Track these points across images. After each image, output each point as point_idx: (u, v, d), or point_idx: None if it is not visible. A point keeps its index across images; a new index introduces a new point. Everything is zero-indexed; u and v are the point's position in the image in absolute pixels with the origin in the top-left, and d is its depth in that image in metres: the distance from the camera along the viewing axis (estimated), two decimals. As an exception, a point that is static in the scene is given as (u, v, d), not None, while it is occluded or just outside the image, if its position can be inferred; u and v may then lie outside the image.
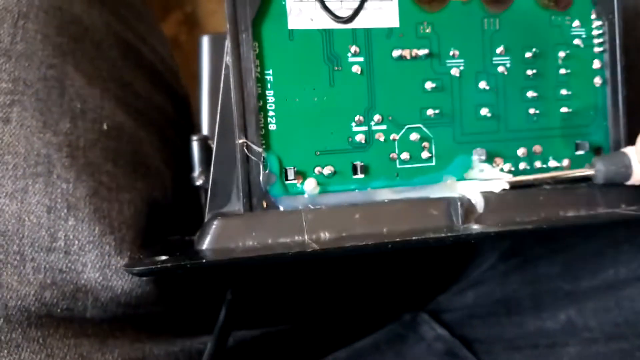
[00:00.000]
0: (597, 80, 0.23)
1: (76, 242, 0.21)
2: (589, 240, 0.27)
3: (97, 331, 0.21)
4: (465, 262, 0.31)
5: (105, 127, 0.23)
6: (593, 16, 0.23)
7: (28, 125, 0.21)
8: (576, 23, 0.23)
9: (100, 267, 0.21)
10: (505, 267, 0.29)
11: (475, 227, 0.19)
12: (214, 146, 0.21)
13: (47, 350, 0.20)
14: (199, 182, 0.24)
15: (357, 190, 0.21)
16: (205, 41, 0.25)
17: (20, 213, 0.20)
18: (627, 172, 0.21)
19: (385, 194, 0.21)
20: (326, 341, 0.27)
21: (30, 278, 0.20)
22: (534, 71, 0.22)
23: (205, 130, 0.25)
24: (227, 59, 0.19)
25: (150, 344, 0.22)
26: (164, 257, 0.17)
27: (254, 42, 0.19)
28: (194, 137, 0.24)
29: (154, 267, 0.16)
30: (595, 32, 0.23)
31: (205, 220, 0.20)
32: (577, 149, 0.23)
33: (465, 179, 0.21)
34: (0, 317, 0.19)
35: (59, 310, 0.20)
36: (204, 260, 0.16)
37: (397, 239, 0.18)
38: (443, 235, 0.18)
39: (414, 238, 0.18)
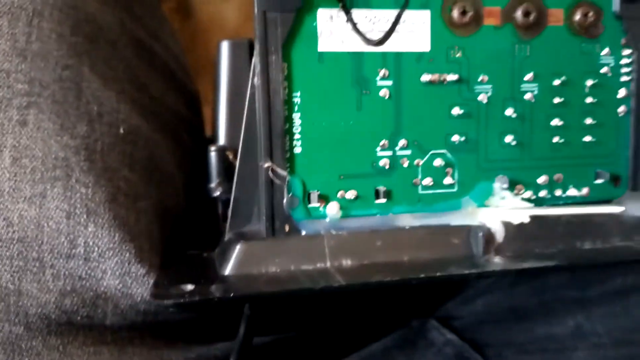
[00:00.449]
0: (622, 110, 0.23)
1: (96, 248, 0.20)
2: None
3: (116, 339, 0.21)
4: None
5: (121, 130, 0.23)
6: (622, 43, 0.22)
7: (45, 127, 0.20)
8: (605, 51, 0.22)
9: (120, 274, 0.21)
10: (513, 278, 0.30)
11: (497, 261, 0.19)
12: (235, 161, 0.21)
13: (67, 358, 0.20)
14: (216, 194, 0.24)
15: (378, 215, 0.21)
16: (225, 47, 0.25)
17: (40, 219, 0.20)
18: None
19: (407, 220, 0.21)
20: (335, 348, 0.27)
21: (50, 285, 0.20)
22: (561, 99, 0.22)
23: (222, 140, 0.25)
24: (255, 80, 0.19)
25: (167, 350, 0.22)
26: (190, 287, 0.17)
27: (284, 63, 0.19)
28: (212, 148, 0.24)
29: (181, 300, 0.16)
30: (623, 61, 0.22)
31: (226, 238, 0.20)
32: (597, 178, 0.23)
33: (486, 206, 0.21)
34: (21, 325, 0.19)
35: (78, 318, 0.20)
36: (232, 295, 0.16)
37: (422, 275, 0.18)
38: (467, 272, 0.18)
39: (438, 274, 0.18)
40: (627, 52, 0.22)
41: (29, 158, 0.20)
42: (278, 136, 0.19)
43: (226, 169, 0.24)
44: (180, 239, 0.23)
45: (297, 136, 0.20)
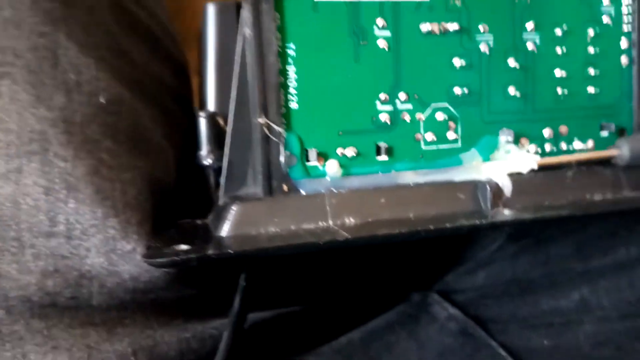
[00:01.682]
0: (624, 60, 0.22)
1: (78, 226, 0.19)
2: (601, 221, 0.27)
3: (104, 319, 0.20)
4: (471, 243, 0.31)
5: (102, 100, 0.21)
6: (623, -8, 0.22)
7: (20, 99, 0.19)
8: (606, 1, 0.22)
9: (106, 251, 0.19)
10: (515, 248, 0.29)
11: (507, 213, 0.19)
12: (227, 125, 0.20)
13: (53, 342, 0.18)
14: (207, 162, 0.23)
15: (380, 173, 0.20)
16: (210, 10, 0.23)
17: (16, 196, 0.19)
18: None
19: (410, 177, 0.20)
20: (337, 323, 0.26)
21: (30, 266, 0.18)
22: (564, 49, 0.21)
23: (211, 106, 0.24)
24: (246, 30, 0.18)
25: (161, 330, 0.21)
26: (184, 247, 0.16)
27: (276, 13, 0.18)
28: (202, 114, 0.23)
29: (177, 258, 0.15)
30: (624, 10, 0.22)
31: (220, 203, 0.19)
32: (601, 130, 0.22)
33: (491, 160, 0.21)
34: (1, 309, 0.18)
35: (63, 299, 0.19)
36: (231, 251, 0.15)
37: (430, 227, 0.17)
38: (477, 222, 0.17)
39: (447, 225, 0.17)
40: (627, 1, 0.22)
41: (3, 132, 0.19)
42: (272, 90, 0.18)
43: (217, 135, 0.23)
44: (172, 210, 0.22)
45: (292, 90, 0.19)
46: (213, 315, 0.22)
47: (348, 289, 0.29)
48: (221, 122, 0.23)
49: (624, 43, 0.22)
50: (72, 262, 0.19)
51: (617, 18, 0.22)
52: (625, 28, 0.22)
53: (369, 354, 0.25)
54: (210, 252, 0.15)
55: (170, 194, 0.23)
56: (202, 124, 0.22)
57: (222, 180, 0.20)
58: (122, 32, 0.24)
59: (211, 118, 0.22)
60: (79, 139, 0.20)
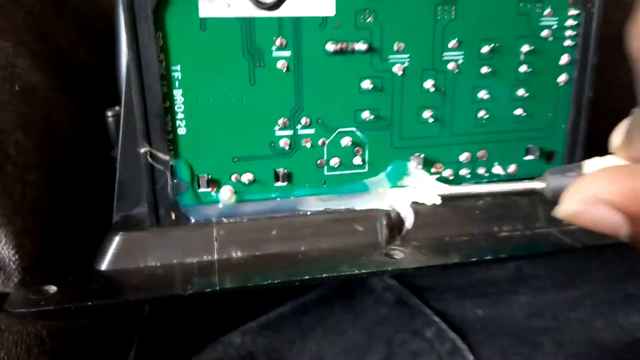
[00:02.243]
0: (562, 79, 0.20)
1: None
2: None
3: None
4: None
5: (17, 88, 0.20)
6: (570, 2, 0.19)
7: None
8: (548, 11, 0.19)
9: None
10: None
11: (398, 255, 0.18)
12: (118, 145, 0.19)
13: None
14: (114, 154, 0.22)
15: (278, 199, 0.19)
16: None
17: None
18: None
19: (311, 203, 0.19)
20: (269, 298, 0.27)
21: None
22: (490, 69, 0.19)
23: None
24: (128, 53, 0.16)
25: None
26: (53, 289, 0.16)
27: (157, 32, 0.16)
28: (109, 113, 0.21)
29: (35, 309, 0.15)
30: (569, 23, 0.20)
31: (113, 221, 0.19)
32: (527, 154, 0.21)
33: (399, 187, 0.20)
34: None
35: None
36: (89, 303, 0.15)
37: (306, 277, 0.17)
38: (357, 272, 0.17)
39: (324, 275, 0.17)
40: (573, 12, 0.20)
41: None
42: (155, 117, 0.17)
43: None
44: (75, 211, 0.22)
45: (180, 115, 0.17)
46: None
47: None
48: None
49: (564, 59, 0.20)
50: None
51: (559, 31, 0.20)
52: (567, 42, 0.20)
53: (301, 327, 0.25)
54: (69, 304, 0.15)
55: (76, 191, 0.23)
56: (111, 123, 0.21)
57: (115, 199, 0.19)
58: (47, 13, 0.22)
59: (119, 117, 0.21)
60: None
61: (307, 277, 0.17)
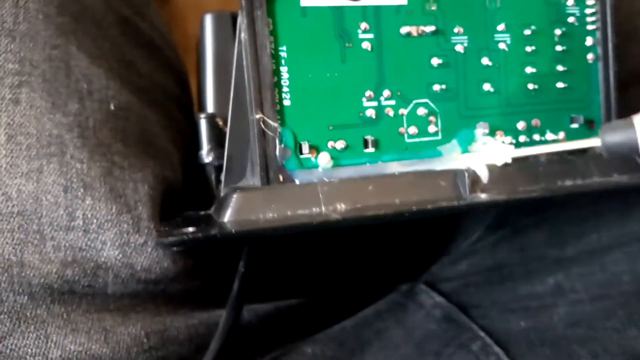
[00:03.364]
0: (590, 57, 0.24)
1: (94, 220, 0.21)
2: (572, 209, 0.29)
3: (118, 306, 0.21)
4: (453, 236, 0.33)
5: (112, 107, 0.23)
6: (587, -6, 0.24)
7: (37, 106, 0.21)
8: (570, 2, 0.24)
9: (120, 244, 0.21)
10: (494, 238, 0.30)
11: (483, 196, 0.20)
12: (227, 123, 0.21)
13: (72, 325, 0.20)
14: (208, 160, 0.24)
15: (368, 164, 0.21)
16: (208, 19, 0.25)
17: (38, 193, 0.20)
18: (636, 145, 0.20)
19: (395, 167, 0.22)
20: (331, 314, 0.28)
21: (51, 256, 0.20)
22: (533, 48, 0.23)
23: (210, 108, 0.25)
24: (242, 35, 0.20)
25: (170, 317, 0.22)
26: (192, 229, 0.18)
27: (268, 18, 0.20)
28: (202, 115, 0.24)
29: (185, 237, 0.17)
30: (588, 11, 0.24)
31: (222, 195, 0.21)
32: (572, 122, 0.24)
33: (469, 152, 0.22)
34: (25, 295, 0.19)
35: (80, 287, 0.20)
36: (233, 231, 0.17)
37: (413, 208, 0.19)
38: (455, 203, 0.19)
39: (428, 206, 0.19)
40: (591, 1, 0.24)
41: (24, 135, 0.20)
42: (267, 89, 0.20)
43: (216, 135, 0.24)
44: (179, 207, 0.24)
45: (285, 89, 0.20)
46: (217, 305, 0.24)
47: (341, 283, 0.31)
48: (220, 122, 0.25)
49: (589, 41, 0.24)
50: (89, 254, 0.21)
51: (582, 18, 0.24)
52: (590, 27, 0.24)
53: (360, 340, 0.26)
54: (213, 232, 0.17)
55: (177, 193, 0.25)
56: (203, 124, 0.24)
57: (223, 174, 0.21)
58: (127, 44, 0.26)
59: (211, 119, 0.24)
60: (93, 143, 0.21)
61: (414, 209, 0.18)
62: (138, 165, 0.23)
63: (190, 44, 0.31)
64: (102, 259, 0.21)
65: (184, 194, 0.25)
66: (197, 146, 0.24)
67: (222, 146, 0.22)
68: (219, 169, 0.24)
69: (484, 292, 0.29)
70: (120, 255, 0.21)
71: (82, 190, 0.21)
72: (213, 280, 0.24)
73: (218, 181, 0.24)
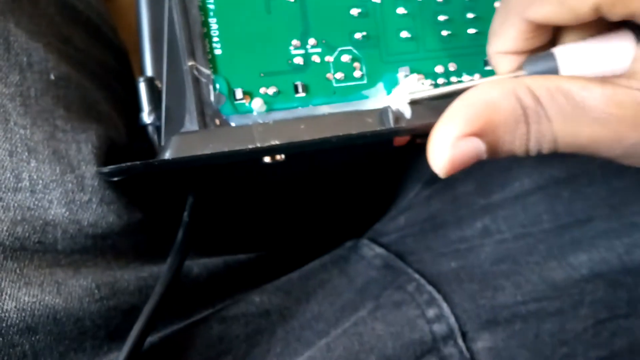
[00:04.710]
0: (498, 4, 0.26)
1: (40, 181, 0.22)
2: (497, 159, 0.31)
3: (69, 261, 0.22)
4: (392, 195, 0.35)
5: (52, 77, 0.24)
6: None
7: None
8: (473, -48, 0.26)
9: (66, 202, 0.22)
10: (428, 192, 0.33)
11: (404, 125, 0.22)
12: (162, 81, 0.23)
13: (25, 279, 0.21)
14: (149, 120, 0.25)
15: (300, 108, 0.23)
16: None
17: None
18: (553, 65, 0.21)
19: (325, 110, 0.23)
20: (279, 267, 0.29)
21: (1, 216, 0.21)
22: (444, -3, 0.25)
23: (149, 72, 0.26)
24: (170, -11, 0.21)
25: (120, 271, 0.23)
26: (130, 163, 0.19)
27: (195, -27, 0.21)
28: (141, 78, 0.25)
29: (124, 166, 0.18)
30: (489, -39, 0.26)
31: (162, 144, 0.22)
32: (485, 65, 0.26)
33: (393, 93, 0.24)
34: None
35: (31, 244, 0.21)
36: (171, 158, 0.18)
37: (340, 134, 0.20)
38: (378, 129, 0.21)
39: (353, 132, 0.20)
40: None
41: None
42: (197, 38, 0.21)
43: (156, 97, 0.25)
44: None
45: (215, 39, 0.22)
46: (166, 259, 0.25)
47: (289, 240, 0.32)
48: (159, 85, 0.26)
49: (494, -10, 0.26)
50: (37, 213, 0.21)
51: (487, -29, 0.26)
52: (494, -22, 0.26)
53: (305, 289, 0.28)
54: (152, 160, 0.18)
55: (123, 154, 0.26)
56: (142, 87, 0.25)
57: (162, 126, 0.22)
58: (64, 22, 0.27)
59: (149, 81, 0.25)
60: (35, 110, 0.23)
61: (341, 135, 0.20)
62: (81, 127, 0.23)
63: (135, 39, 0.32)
64: (50, 217, 0.22)
65: (130, 155, 0.26)
66: (139, 102, 0.25)
67: (161, 107, 0.23)
68: (160, 128, 0.25)
69: (419, 240, 0.31)
70: (67, 213, 0.22)
71: (26, 153, 0.22)
72: (161, 235, 0.25)
73: (159, 141, 0.25)
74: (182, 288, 0.25)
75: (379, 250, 0.31)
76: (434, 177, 0.33)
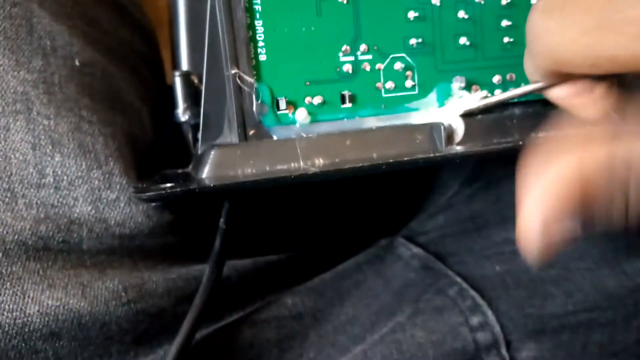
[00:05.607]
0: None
1: (65, 177, 0.21)
2: None
3: (95, 262, 0.21)
4: (430, 193, 0.33)
5: (77, 63, 0.23)
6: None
7: (0, 64, 0.21)
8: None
9: (92, 200, 0.21)
10: (470, 191, 0.31)
11: (458, 148, 0.21)
12: (202, 82, 0.21)
13: (49, 280, 0.20)
14: (184, 119, 0.24)
15: (345, 119, 0.21)
16: (179, -27, 0.25)
17: (6, 151, 0.20)
18: None
19: (372, 122, 0.22)
20: (311, 267, 0.28)
21: (23, 213, 0.20)
22: (508, 0, 0.23)
23: (185, 66, 0.25)
24: (215, -12, 0.19)
25: (148, 272, 0.22)
26: (169, 184, 0.18)
27: (241, -29, 0.19)
28: (176, 73, 0.24)
29: (163, 192, 0.17)
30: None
31: (199, 152, 0.21)
32: (545, 76, 0.24)
33: (446, 106, 0.23)
34: (0, 252, 0.19)
35: (55, 243, 0.20)
36: (212, 185, 0.17)
37: (390, 160, 0.19)
38: (431, 155, 0.19)
39: (405, 159, 0.19)
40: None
41: None
42: (242, 43, 0.20)
43: (192, 93, 0.24)
44: (153, 165, 0.24)
45: (260, 43, 0.20)
46: (195, 260, 0.24)
47: (321, 240, 0.31)
48: (195, 80, 0.24)
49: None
50: (62, 210, 0.21)
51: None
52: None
53: (339, 291, 0.27)
54: (192, 186, 0.17)
55: (150, 150, 0.25)
56: (177, 82, 0.24)
57: (200, 131, 0.21)
58: (90, 2, 0.25)
59: (185, 76, 0.24)
60: (59, 98, 0.21)
61: (391, 161, 0.19)
62: (107, 120, 0.22)
63: (162, 16, 0.31)
64: (75, 215, 0.21)
65: (160, 153, 0.25)
66: (169, 104, 0.24)
67: (198, 104, 0.22)
68: (195, 127, 0.24)
69: (459, 241, 0.29)
70: (93, 211, 0.21)
71: (50, 147, 0.21)
72: (191, 236, 0.24)
73: (195, 140, 0.24)
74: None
75: (417, 250, 0.29)
76: (475, 175, 0.31)
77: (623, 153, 0.14)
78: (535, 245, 0.15)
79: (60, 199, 0.21)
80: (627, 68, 0.15)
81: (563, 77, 0.18)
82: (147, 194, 0.17)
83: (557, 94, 0.19)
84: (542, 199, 0.15)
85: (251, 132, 0.20)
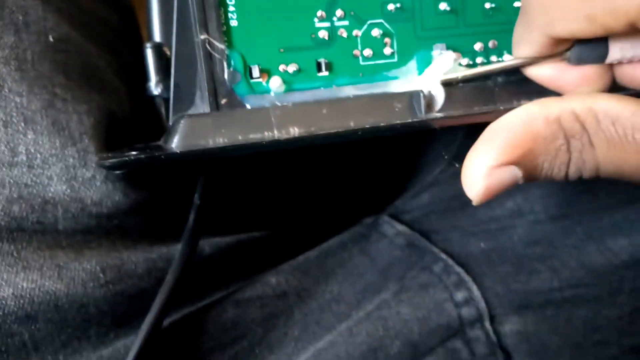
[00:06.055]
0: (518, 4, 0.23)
1: (38, 155, 0.20)
2: None
3: (71, 243, 0.21)
4: (416, 171, 0.33)
5: (51, 39, 0.22)
6: None
7: None
8: None
9: (67, 179, 0.20)
10: (455, 169, 0.31)
11: (438, 115, 0.20)
12: (171, 51, 0.20)
13: (23, 262, 0.19)
14: (156, 92, 0.23)
15: (321, 88, 0.21)
16: (150, -58, 0.24)
17: None
18: (604, 51, 0.19)
19: (350, 91, 0.21)
20: (295, 246, 0.28)
21: None
22: (490, -36, 0.22)
23: (157, 37, 0.24)
24: (182, -51, 0.18)
25: (127, 252, 0.22)
26: (134, 152, 0.17)
27: None
28: (148, 45, 0.23)
29: (127, 159, 0.16)
30: None
31: (170, 123, 0.20)
32: (529, 44, 0.24)
33: (425, 74, 0.22)
34: None
35: (29, 224, 0.20)
36: (178, 151, 0.16)
37: (367, 126, 0.18)
38: (409, 121, 0.19)
39: (381, 124, 0.18)
40: None
41: None
42: (211, 7, 0.19)
43: (164, 66, 0.23)
44: (128, 141, 0.23)
45: (231, 8, 0.19)
46: (177, 240, 0.24)
47: (305, 217, 0.31)
48: (168, 52, 0.23)
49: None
50: (35, 190, 0.20)
51: None
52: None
53: (324, 269, 0.26)
54: (158, 153, 0.16)
55: (126, 127, 0.24)
56: (149, 54, 0.23)
57: (171, 102, 0.20)
58: None
59: (157, 48, 0.23)
60: (32, 75, 0.20)
61: (367, 127, 0.18)
62: (82, 98, 0.22)
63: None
64: (50, 194, 0.20)
65: (139, 131, 0.25)
66: (145, 69, 0.23)
67: (170, 77, 0.21)
68: (168, 100, 0.23)
69: (444, 219, 0.29)
70: (69, 190, 0.20)
71: (22, 124, 0.20)
72: (172, 214, 0.24)
73: (168, 113, 0.23)
74: (194, 269, 0.24)
75: (401, 227, 0.29)
76: (460, 154, 0.31)
77: (570, 109, 0.15)
78: (476, 185, 0.16)
79: (34, 178, 0.20)
80: (625, 20, 0.15)
81: (554, 44, 0.18)
82: (110, 160, 0.16)
83: (537, 73, 0.20)
84: (488, 145, 0.16)
85: (223, 102, 0.19)
